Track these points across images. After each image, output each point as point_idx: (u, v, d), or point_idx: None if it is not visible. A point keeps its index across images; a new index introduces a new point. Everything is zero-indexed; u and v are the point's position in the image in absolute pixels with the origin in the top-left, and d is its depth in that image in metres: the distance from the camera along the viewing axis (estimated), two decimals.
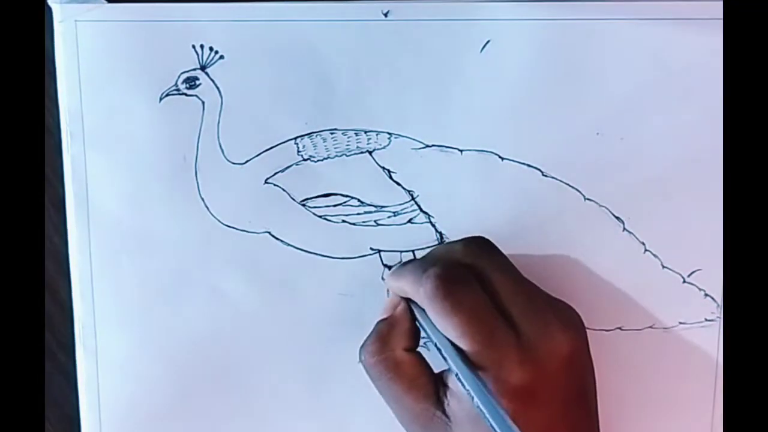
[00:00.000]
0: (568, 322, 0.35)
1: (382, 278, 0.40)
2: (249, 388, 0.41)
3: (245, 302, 0.40)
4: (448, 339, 0.33)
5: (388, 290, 0.38)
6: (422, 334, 0.36)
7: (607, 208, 0.39)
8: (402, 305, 0.36)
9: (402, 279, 0.36)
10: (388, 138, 0.39)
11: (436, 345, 0.34)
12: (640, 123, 0.39)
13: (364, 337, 0.37)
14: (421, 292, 0.34)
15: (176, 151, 0.39)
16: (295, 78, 0.39)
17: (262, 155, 0.39)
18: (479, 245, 0.36)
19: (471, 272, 0.34)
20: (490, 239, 0.37)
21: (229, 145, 0.39)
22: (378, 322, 0.36)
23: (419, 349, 0.37)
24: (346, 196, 0.39)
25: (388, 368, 0.35)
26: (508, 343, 0.33)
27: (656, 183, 0.39)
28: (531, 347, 0.33)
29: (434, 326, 0.34)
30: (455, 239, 0.38)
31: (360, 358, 0.36)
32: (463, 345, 0.33)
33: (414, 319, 0.36)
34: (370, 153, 0.39)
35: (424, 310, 0.34)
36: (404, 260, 0.40)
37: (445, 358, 0.33)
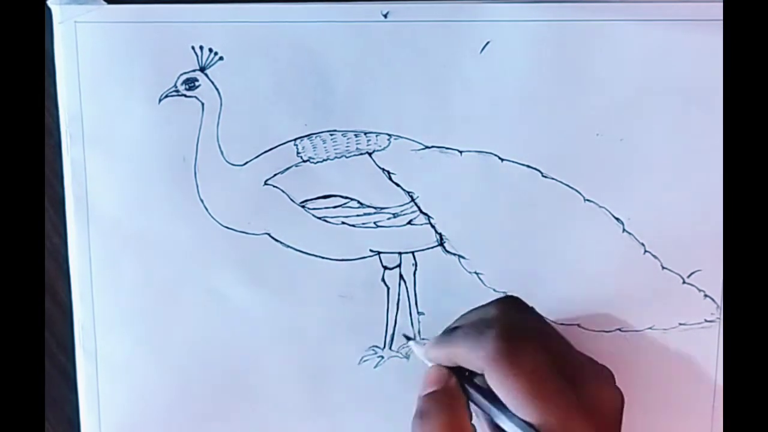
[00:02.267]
0: (610, 375, 0.35)
1: (382, 279, 0.40)
2: (248, 389, 0.41)
3: (244, 303, 0.40)
4: (513, 413, 0.32)
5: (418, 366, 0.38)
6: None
7: (607, 209, 0.39)
8: (454, 378, 0.35)
9: (452, 346, 0.35)
10: (388, 139, 0.39)
11: (492, 421, 0.33)
12: (639, 124, 0.39)
13: (363, 338, 0.37)
14: (481, 355, 0.33)
15: (176, 152, 0.39)
16: (295, 79, 0.39)
17: (261, 157, 0.39)
18: (514, 305, 0.36)
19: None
20: (521, 297, 0.37)
21: (229, 147, 0.39)
22: (428, 395, 0.35)
23: None
24: (346, 197, 0.39)
25: None
26: (571, 405, 0.32)
27: (656, 184, 0.39)
28: (593, 405, 0.32)
29: (493, 398, 0.33)
30: (484, 303, 0.37)
31: None
32: (527, 411, 0.32)
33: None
34: (370, 154, 0.39)
35: (475, 384, 0.34)
36: (446, 330, 0.38)
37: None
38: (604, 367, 0.35)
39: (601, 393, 0.33)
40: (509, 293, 0.39)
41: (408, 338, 0.40)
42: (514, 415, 0.32)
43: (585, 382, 0.33)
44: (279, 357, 0.41)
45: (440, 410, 0.34)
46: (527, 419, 0.32)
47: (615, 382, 0.34)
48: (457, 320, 0.38)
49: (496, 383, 0.32)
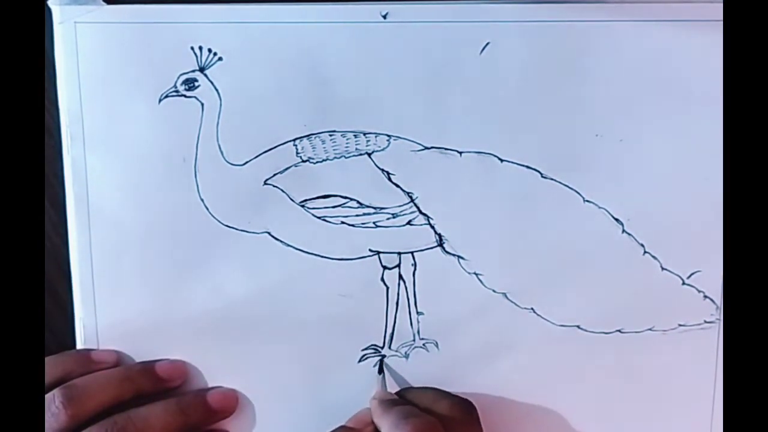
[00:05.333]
0: None
1: (382, 279, 0.40)
2: (248, 388, 0.41)
3: (245, 302, 0.40)
4: None
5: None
6: None
7: (607, 210, 0.39)
8: (371, 429, 0.38)
9: (385, 417, 0.37)
10: (387, 140, 0.39)
11: None
12: (639, 124, 0.39)
13: (363, 337, 0.37)
14: None
15: (176, 152, 0.39)
16: (294, 80, 0.39)
17: (261, 157, 0.39)
18: (465, 411, 0.37)
19: None
20: (474, 403, 0.38)
21: (229, 147, 0.39)
22: (342, 428, 0.38)
23: None
24: (345, 197, 0.39)
25: None
26: None
27: (656, 184, 0.39)
28: None
29: None
30: (448, 391, 0.39)
31: None
32: None
33: None
34: (369, 155, 0.39)
35: None
36: (396, 392, 0.40)
37: None
38: None
39: None
40: (508, 294, 0.39)
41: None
42: None
43: None
44: (278, 355, 0.41)
45: None
46: None
47: None
48: (418, 389, 0.40)
49: None
